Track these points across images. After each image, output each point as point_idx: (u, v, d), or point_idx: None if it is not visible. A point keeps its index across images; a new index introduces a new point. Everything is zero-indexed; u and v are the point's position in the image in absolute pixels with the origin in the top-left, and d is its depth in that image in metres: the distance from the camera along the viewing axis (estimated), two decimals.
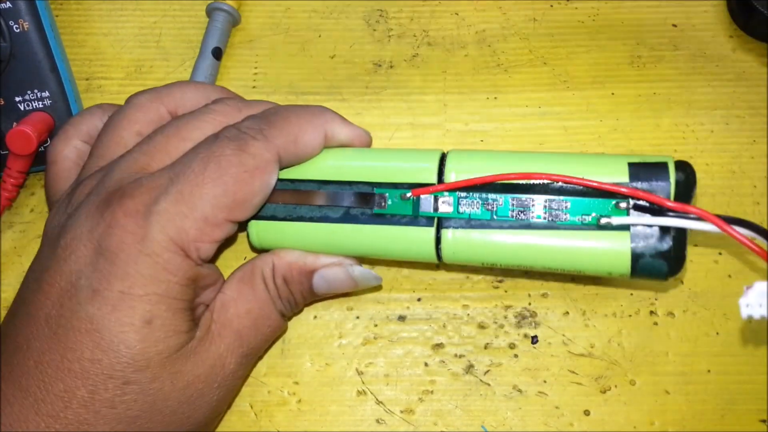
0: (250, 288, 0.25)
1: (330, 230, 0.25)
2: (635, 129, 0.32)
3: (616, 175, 0.22)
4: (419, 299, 0.29)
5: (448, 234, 0.24)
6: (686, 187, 0.22)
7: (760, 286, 0.20)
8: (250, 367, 0.26)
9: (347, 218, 0.25)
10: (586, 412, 0.27)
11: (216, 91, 0.27)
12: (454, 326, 0.28)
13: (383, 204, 0.24)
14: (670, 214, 0.21)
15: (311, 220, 0.25)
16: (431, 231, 0.24)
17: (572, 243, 0.22)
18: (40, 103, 0.30)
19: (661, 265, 0.22)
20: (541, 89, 0.34)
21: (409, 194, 0.24)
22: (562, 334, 0.28)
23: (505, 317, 0.28)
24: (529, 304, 0.29)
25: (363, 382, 0.27)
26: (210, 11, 0.34)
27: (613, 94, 0.33)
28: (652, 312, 0.28)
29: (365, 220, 0.24)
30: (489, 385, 0.27)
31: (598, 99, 0.33)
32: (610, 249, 0.22)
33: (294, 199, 0.25)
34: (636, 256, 0.22)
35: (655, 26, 0.35)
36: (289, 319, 0.28)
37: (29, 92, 0.30)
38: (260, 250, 0.27)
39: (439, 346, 0.28)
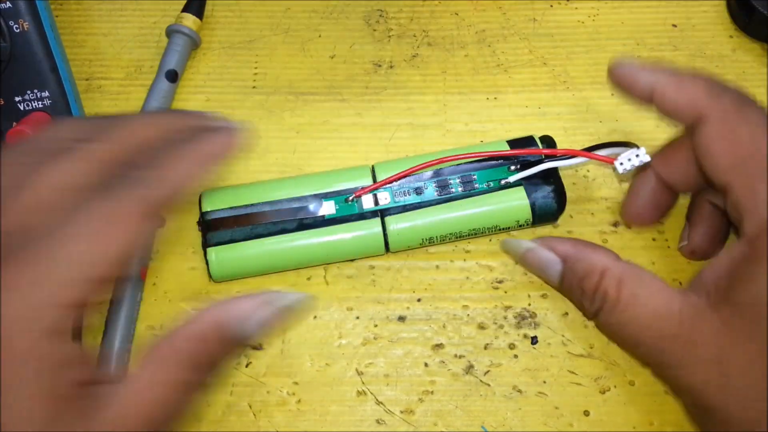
0: (157, 370, 0.20)
1: (288, 239, 0.28)
2: (635, 129, 0.32)
3: (501, 150, 0.29)
4: (419, 299, 0.29)
5: (391, 220, 0.28)
6: (550, 147, 0.29)
7: (627, 150, 0.27)
8: None
9: (302, 227, 0.28)
10: (586, 413, 0.27)
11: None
12: (454, 326, 0.28)
13: (332, 209, 0.28)
14: (546, 159, 0.28)
15: (269, 234, 0.28)
16: (377, 221, 0.28)
17: (485, 203, 0.28)
18: (40, 103, 0.30)
19: (551, 203, 0.28)
20: (541, 89, 0.34)
21: (352, 197, 0.28)
22: (562, 335, 0.28)
23: (505, 318, 0.28)
24: (529, 304, 0.29)
25: (363, 383, 0.27)
26: (169, 33, 0.34)
27: (613, 94, 0.33)
28: None
29: (318, 225, 0.28)
30: (489, 385, 0.27)
31: (598, 99, 0.33)
32: (513, 201, 0.28)
33: (249, 221, 0.28)
34: (532, 201, 0.28)
35: (655, 26, 0.35)
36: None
37: (29, 92, 0.30)
38: (219, 279, 0.28)
39: (439, 346, 0.28)
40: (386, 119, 0.33)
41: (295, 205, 0.28)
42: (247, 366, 0.28)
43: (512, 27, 0.35)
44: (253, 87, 0.34)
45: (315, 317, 0.29)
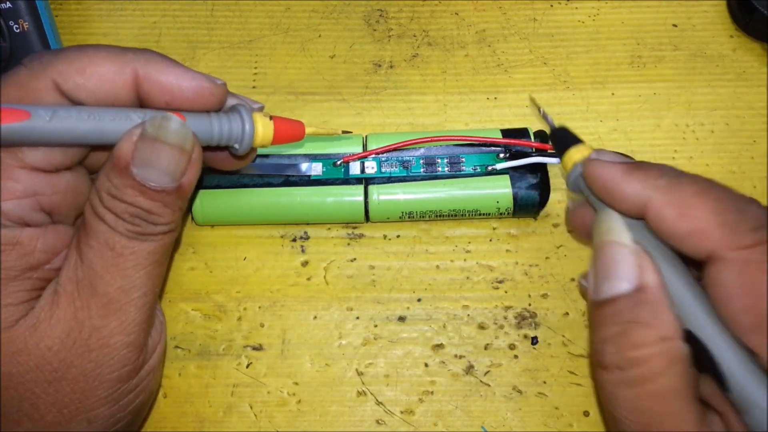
0: (86, 234, 0.21)
1: (272, 193, 0.28)
2: (635, 129, 0.32)
3: (494, 137, 0.29)
4: (419, 300, 0.29)
5: (374, 189, 0.29)
6: (543, 141, 0.29)
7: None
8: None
9: (287, 183, 0.29)
10: (586, 413, 0.27)
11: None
12: (454, 327, 0.28)
13: (318, 171, 0.29)
14: (534, 153, 0.29)
15: (255, 186, 0.29)
16: (360, 189, 0.29)
17: (469, 186, 0.29)
18: None
19: (534, 195, 0.28)
20: (541, 89, 0.34)
21: (339, 161, 0.29)
22: (562, 335, 0.28)
23: (505, 318, 0.28)
24: (529, 304, 0.29)
25: (363, 383, 0.27)
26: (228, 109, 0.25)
27: (613, 94, 0.33)
28: None
29: (303, 184, 0.29)
30: (489, 385, 0.27)
31: (598, 99, 0.33)
32: (497, 188, 0.29)
33: (238, 170, 0.28)
34: (515, 190, 0.28)
35: (655, 26, 0.35)
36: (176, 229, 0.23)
37: None
38: (202, 222, 0.29)
39: (439, 346, 0.28)
40: (386, 119, 0.33)
41: (284, 161, 0.29)
42: (247, 367, 0.28)
43: (512, 27, 0.35)
44: (253, 87, 0.34)
45: (315, 317, 0.29)
